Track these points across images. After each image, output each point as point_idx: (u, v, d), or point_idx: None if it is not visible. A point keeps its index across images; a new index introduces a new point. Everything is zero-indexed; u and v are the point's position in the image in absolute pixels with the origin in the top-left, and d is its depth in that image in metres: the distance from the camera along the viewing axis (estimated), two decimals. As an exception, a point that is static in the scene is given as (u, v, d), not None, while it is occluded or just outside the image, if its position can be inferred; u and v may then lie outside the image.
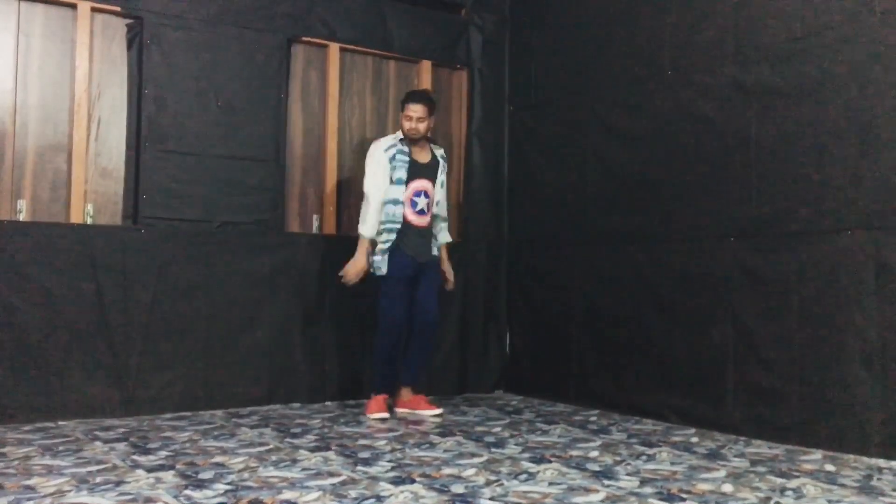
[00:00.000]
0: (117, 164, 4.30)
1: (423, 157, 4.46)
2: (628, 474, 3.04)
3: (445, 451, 3.44)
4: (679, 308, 4.23)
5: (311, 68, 4.90)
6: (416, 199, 4.37)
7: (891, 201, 3.39)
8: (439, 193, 4.52)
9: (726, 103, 4.04)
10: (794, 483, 2.93)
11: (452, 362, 5.19)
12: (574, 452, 3.43)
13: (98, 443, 3.47)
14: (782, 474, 3.08)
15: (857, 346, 3.47)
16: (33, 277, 3.95)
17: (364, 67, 5.10)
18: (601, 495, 2.73)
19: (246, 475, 2.92)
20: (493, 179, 5.40)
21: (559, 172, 5.03)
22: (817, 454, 3.47)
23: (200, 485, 2.77)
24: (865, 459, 3.35)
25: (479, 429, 3.99)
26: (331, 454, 3.31)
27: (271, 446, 3.46)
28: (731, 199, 3.99)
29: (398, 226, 4.31)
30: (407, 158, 4.36)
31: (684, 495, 2.74)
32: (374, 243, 4.34)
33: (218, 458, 3.19)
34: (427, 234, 4.45)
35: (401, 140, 4.39)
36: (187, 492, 2.67)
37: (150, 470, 2.97)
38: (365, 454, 3.33)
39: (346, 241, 4.74)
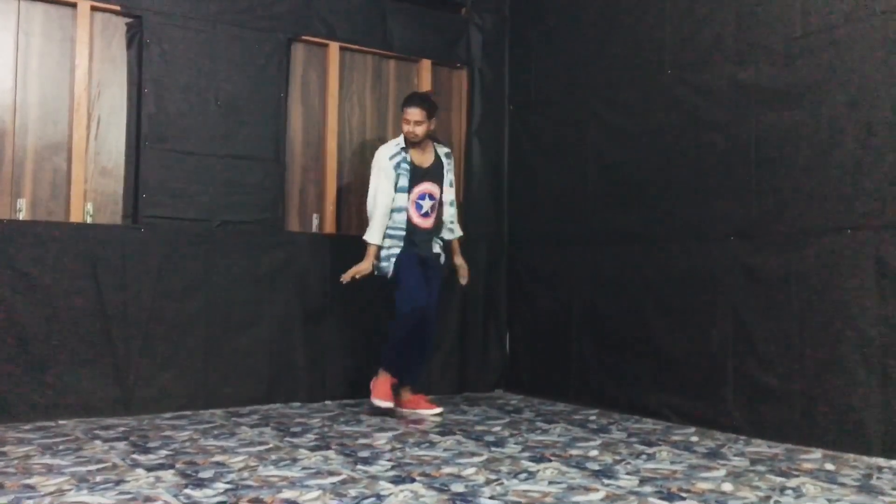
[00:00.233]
0: (117, 163, 4.30)
1: (426, 160, 4.46)
2: (628, 473, 3.04)
3: (445, 450, 3.44)
4: (679, 307, 4.23)
5: (310, 67, 4.90)
6: (420, 202, 4.38)
7: (891, 201, 3.39)
8: (449, 193, 4.52)
9: (726, 103, 4.04)
10: (793, 482, 2.93)
11: (452, 362, 5.19)
12: (574, 451, 3.43)
13: (98, 442, 3.47)
14: (782, 473, 3.08)
15: (856, 345, 3.47)
16: (33, 276, 3.94)
17: (364, 66, 5.10)
18: (601, 494, 2.73)
19: (246, 474, 2.92)
20: (492, 179, 5.40)
21: (559, 171, 5.03)
22: (817, 453, 3.47)
23: (200, 484, 2.77)
24: (865, 458, 3.36)
25: (478, 428, 3.99)
26: (331, 453, 3.32)
27: (271, 445, 3.46)
28: (731, 198, 3.99)
29: (402, 232, 4.32)
30: (408, 166, 4.35)
31: (684, 494, 2.74)
32: (380, 249, 4.34)
33: (218, 457, 3.19)
34: (432, 234, 4.47)
35: (402, 147, 4.38)
36: (187, 491, 2.67)
37: (149, 469, 2.97)
38: (365, 453, 3.33)
39: (346, 241, 4.75)
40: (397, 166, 4.35)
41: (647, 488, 2.82)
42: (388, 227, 4.34)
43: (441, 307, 4.61)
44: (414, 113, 4.36)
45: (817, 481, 2.95)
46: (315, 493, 2.66)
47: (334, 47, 4.91)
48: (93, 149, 4.25)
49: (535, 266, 5.20)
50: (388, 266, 4.32)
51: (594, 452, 3.42)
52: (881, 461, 3.31)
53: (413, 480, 2.87)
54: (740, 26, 4.00)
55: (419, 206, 4.38)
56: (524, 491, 2.76)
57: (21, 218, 4.04)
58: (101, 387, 4.08)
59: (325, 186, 4.86)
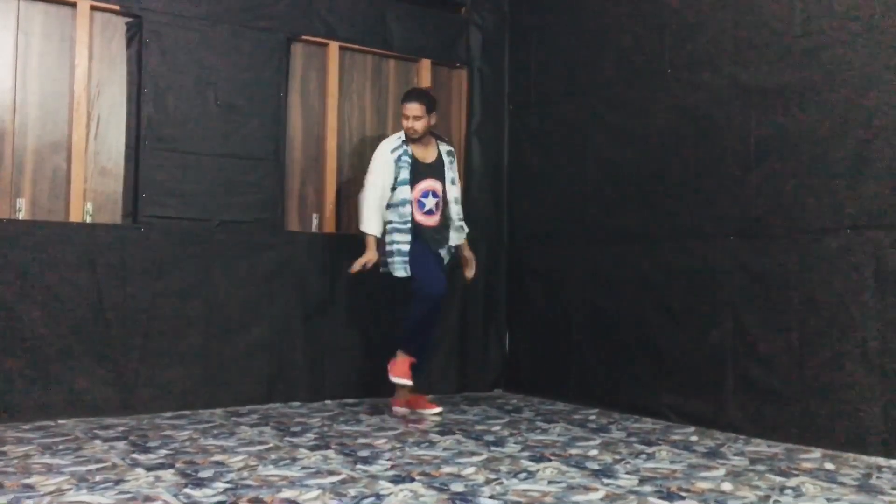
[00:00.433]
0: (117, 163, 4.30)
1: (428, 156, 4.45)
2: (628, 473, 3.04)
3: (445, 449, 3.44)
4: (679, 307, 4.23)
5: (310, 67, 4.90)
6: (423, 199, 4.37)
7: (890, 201, 3.39)
8: (452, 191, 4.50)
9: (726, 102, 4.04)
10: (793, 481, 2.93)
11: (452, 361, 5.19)
12: (573, 451, 3.43)
13: (98, 441, 3.47)
14: (781, 473, 3.08)
15: (856, 344, 3.47)
16: (33, 276, 3.94)
17: (364, 66, 5.10)
18: (600, 494, 2.73)
19: (245, 474, 2.92)
20: (492, 178, 5.40)
21: (559, 171, 5.03)
22: (817, 452, 3.47)
23: (200, 483, 2.77)
24: (865, 458, 3.36)
25: (478, 427, 3.99)
26: (330, 453, 3.32)
27: (271, 445, 3.46)
28: (731, 198, 3.99)
29: (408, 225, 4.31)
30: (409, 159, 4.35)
31: (683, 494, 2.74)
32: (379, 242, 4.34)
33: (217, 457, 3.19)
34: (439, 231, 4.45)
35: (403, 141, 4.39)
36: (187, 490, 2.67)
37: (149, 468, 2.97)
38: (364, 453, 3.33)
39: (345, 240, 4.75)
40: (398, 159, 4.34)
41: (647, 488, 2.82)
42: (394, 223, 4.32)
43: (442, 308, 4.59)
44: (413, 108, 4.35)
45: (817, 481, 2.95)
46: (315, 493, 2.66)
47: (334, 47, 4.91)
48: (92, 148, 4.25)
49: (535, 266, 5.20)
50: (396, 262, 4.29)
51: (594, 452, 3.42)
52: (881, 460, 3.31)
53: (413, 480, 2.87)
54: (740, 26, 4.00)
55: (422, 205, 4.37)
56: (524, 490, 2.76)
57: (21, 217, 4.04)
58: (101, 386, 4.08)
59: (325, 186, 4.86)
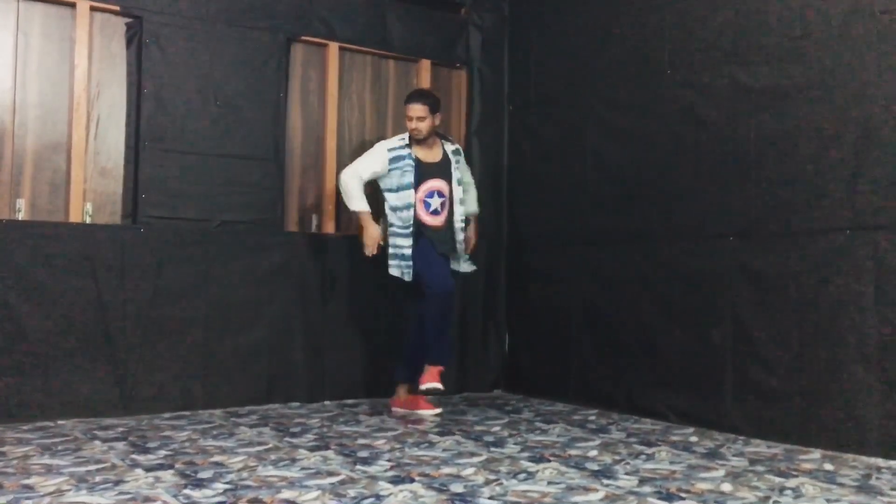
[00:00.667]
0: (116, 163, 4.30)
1: (433, 156, 4.43)
2: (627, 473, 3.04)
3: (444, 450, 3.44)
4: (678, 307, 4.23)
5: (310, 67, 4.90)
6: (428, 199, 4.35)
7: (889, 201, 3.39)
8: (458, 192, 4.47)
9: (725, 102, 4.04)
10: (792, 482, 2.93)
11: (451, 362, 5.17)
12: (573, 451, 3.43)
13: (97, 442, 3.47)
14: (781, 473, 3.08)
15: (855, 345, 3.47)
16: (32, 276, 3.94)
17: (363, 66, 5.10)
18: (600, 494, 2.73)
19: (245, 474, 2.92)
20: (492, 179, 5.39)
21: (558, 171, 5.02)
22: (816, 453, 3.47)
23: (199, 484, 2.77)
24: (864, 458, 3.36)
25: (478, 428, 3.99)
26: (330, 453, 3.31)
27: (270, 445, 3.46)
28: (731, 198, 3.99)
29: (411, 229, 4.29)
30: (412, 162, 4.32)
31: (683, 494, 2.74)
32: (382, 228, 4.34)
33: (217, 458, 3.19)
34: (445, 232, 4.41)
35: (406, 144, 4.36)
36: (186, 491, 2.67)
37: (149, 469, 2.97)
38: (364, 453, 3.33)
39: (345, 240, 4.75)
40: (395, 160, 4.31)
41: (647, 488, 2.82)
42: (395, 226, 4.31)
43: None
44: (416, 109, 4.33)
45: (816, 481, 2.95)
46: (314, 494, 2.66)
47: (334, 47, 4.91)
48: (92, 149, 4.25)
49: (535, 266, 5.20)
50: (408, 267, 4.26)
51: (593, 452, 3.42)
52: (880, 461, 3.31)
53: (412, 480, 2.87)
54: (739, 26, 4.00)
55: (427, 205, 4.34)
56: (523, 491, 2.76)
57: (20, 218, 4.04)
58: (100, 387, 4.08)
59: (325, 186, 4.86)
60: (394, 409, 4.47)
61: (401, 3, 5.15)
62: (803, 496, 2.75)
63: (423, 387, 4.26)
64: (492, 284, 5.34)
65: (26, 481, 2.75)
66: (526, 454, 3.37)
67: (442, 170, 4.42)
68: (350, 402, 4.74)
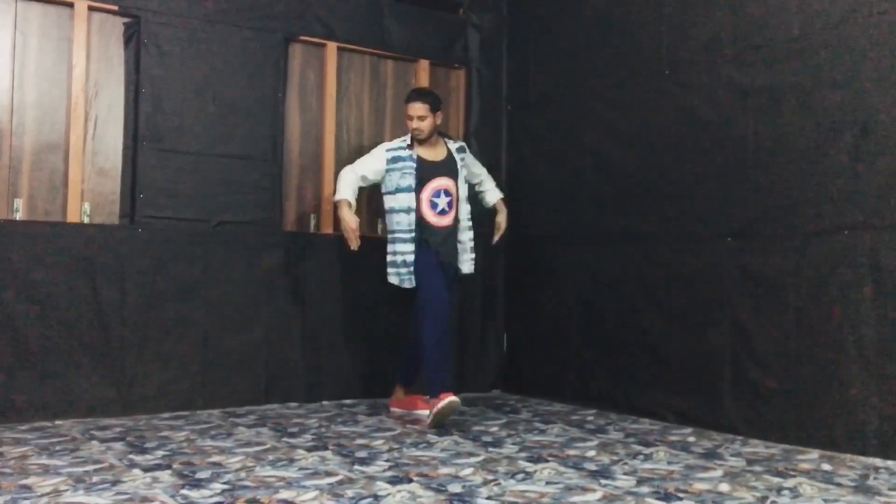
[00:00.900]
0: (114, 163, 4.30)
1: (436, 155, 4.34)
2: (625, 474, 3.04)
3: (443, 450, 3.44)
4: (676, 307, 4.23)
5: (308, 67, 4.90)
6: (435, 199, 4.23)
7: (887, 201, 3.40)
8: (464, 190, 4.40)
9: (724, 103, 4.05)
10: (790, 482, 2.94)
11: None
12: (571, 452, 3.43)
13: (95, 442, 3.47)
14: (779, 474, 3.08)
15: (853, 345, 3.47)
16: (30, 277, 3.94)
17: (362, 67, 5.10)
18: (598, 495, 2.73)
19: (243, 474, 2.92)
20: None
21: (557, 172, 5.03)
22: (814, 453, 3.47)
23: (197, 484, 2.77)
24: (862, 459, 3.36)
25: (476, 428, 3.99)
26: (328, 454, 3.31)
27: (268, 446, 3.46)
28: (729, 198, 4.00)
29: (412, 234, 4.19)
30: (414, 164, 4.23)
31: (681, 495, 2.75)
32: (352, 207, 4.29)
33: (215, 458, 3.19)
34: (451, 234, 4.30)
35: (408, 145, 4.28)
36: (184, 491, 2.67)
37: (146, 469, 2.97)
38: (362, 453, 3.33)
39: (343, 241, 4.74)
40: (394, 160, 4.25)
41: (645, 489, 2.82)
42: (396, 232, 4.23)
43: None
44: (417, 108, 4.25)
45: (814, 481, 2.95)
46: (312, 494, 2.66)
47: (332, 47, 4.91)
48: (90, 149, 4.24)
49: (533, 266, 5.20)
50: (408, 274, 4.17)
51: (591, 453, 3.42)
52: (878, 461, 3.31)
53: (410, 481, 2.87)
54: (737, 27, 4.00)
55: (434, 205, 4.23)
56: (521, 491, 2.76)
57: (18, 218, 4.03)
58: (98, 387, 4.07)
59: (323, 186, 4.86)
60: (392, 408, 4.46)
61: (399, 3, 5.15)
62: (801, 496, 2.76)
63: (437, 407, 3.90)
64: (490, 285, 5.34)
65: (24, 481, 2.75)
66: (524, 454, 3.37)
67: (447, 168, 4.33)
68: (348, 402, 4.74)
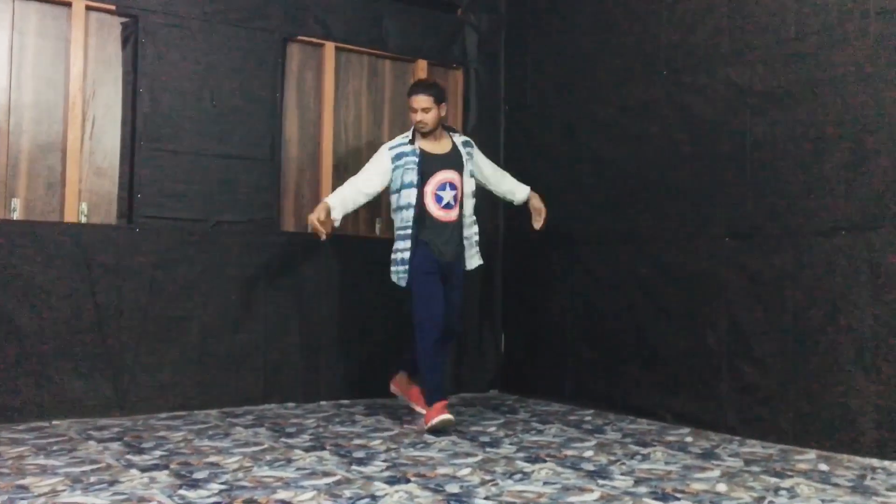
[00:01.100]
0: (112, 163, 4.30)
1: (441, 147, 4.14)
2: (623, 474, 3.04)
3: (440, 450, 3.44)
4: (674, 308, 4.24)
5: (306, 67, 4.90)
6: (440, 193, 4.06)
7: (885, 202, 3.40)
8: (470, 184, 4.22)
9: (722, 104, 4.05)
10: (787, 483, 2.94)
11: (448, 362, 5.17)
12: (569, 452, 3.44)
13: (92, 442, 3.46)
14: (776, 474, 3.08)
15: (851, 345, 3.47)
16: (27, 276, 3.93)
17: (360, 67, 5.10)
18: (596, 495, 2.73)
19: (240, 475, 2.92)
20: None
21: (554, 172, 5.02)
22: (811, 454, 3.47)
23: (195, 484, 2.76)
24: (859, 459, 3.36)
25: (473, 428, 3.99)
26: (325, 454, 3.31)
27: (266, 446, 3.45)
28: (727, 199, 4.00)
29: (410, 231, 4.05)
30: (417, 158, 4.07)
31: (679, 495, 2.75)
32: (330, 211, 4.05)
33: (212, 458, 3.19)
34: (455, 230, 4.11)
35: (410, 140, 4.13)
36: (181, 491, 2.67)
37: (144, 469, 2.96)
38: (360, 454, 3.33)
39: (341, 241, 4.74)
40: (398, 157, 4.08)
41: (642, 489, 2.82)
42: (398, 230, 4.11)
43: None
44: (421, 100, 4.07)
45: (811, 482, 2.95)
46: (310, 494, 2.65)
47: (330, 47, 4.91)
48: (87, 149, 4.24)
49: (531, 266, 5.20)
50: (404, 272, 4.06)
51: (589, 453, 3.42)
52: (875, 462, 3.32)
53: (408, 481, 2.86)
54: (735, 27, 4.00)
55: (440, 199, 4.07)
56: (519, 491, 2.76)
57: (15, 218, 4.03)
58: (96, 387, 4.07)
59: (321, 186, 4.85)
60: (392, 387, 4.44)
61: (397, 4, 5.15)
62: (798, 496, 2.76)
63: (431, 423, 3.84)
64: (488, 285, 5.35)
65: (21, 482, 2.75)
66: (522, 454, 3.37)
67: (452, 161, 4.13)
68: (346, 402, 4.74)
